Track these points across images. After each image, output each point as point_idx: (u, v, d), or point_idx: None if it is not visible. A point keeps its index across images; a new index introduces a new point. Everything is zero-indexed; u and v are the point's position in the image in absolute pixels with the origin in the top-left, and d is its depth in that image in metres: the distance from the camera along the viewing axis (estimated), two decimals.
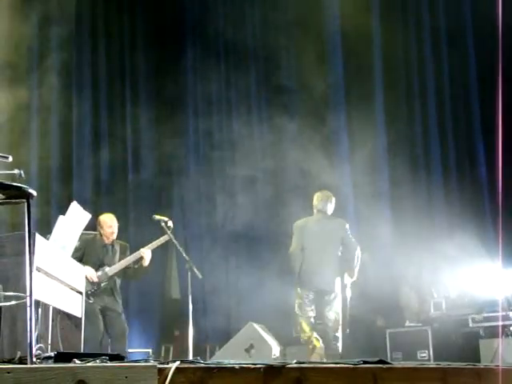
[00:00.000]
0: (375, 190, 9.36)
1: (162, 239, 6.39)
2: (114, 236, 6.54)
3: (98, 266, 6.37)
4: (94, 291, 6.28)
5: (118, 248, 6.56)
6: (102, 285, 6.33)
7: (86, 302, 5.67)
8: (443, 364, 3.26)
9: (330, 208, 6.99)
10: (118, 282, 6.53)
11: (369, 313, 8.18)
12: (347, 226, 6.95)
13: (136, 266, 6.50)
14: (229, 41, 10.05)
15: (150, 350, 8.17)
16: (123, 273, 6.55)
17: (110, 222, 6.50)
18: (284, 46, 10.03)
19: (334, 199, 7.04)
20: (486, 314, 7.65)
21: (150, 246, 6.45)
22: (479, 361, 6.84)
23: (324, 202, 6.96)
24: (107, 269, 6.38)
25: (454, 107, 10.24)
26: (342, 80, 10.13)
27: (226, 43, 10.12)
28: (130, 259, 6.45)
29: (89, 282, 6.16)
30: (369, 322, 8.36)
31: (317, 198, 7.03)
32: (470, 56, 10.20)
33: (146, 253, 6.39)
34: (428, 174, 9.96)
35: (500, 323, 7.33)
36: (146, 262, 6.43)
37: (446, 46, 10.27)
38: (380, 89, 10.10)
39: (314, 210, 7.03)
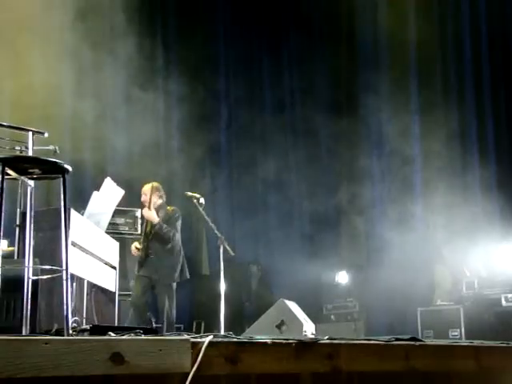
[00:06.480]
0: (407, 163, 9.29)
1: None
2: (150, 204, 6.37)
3: (142, 237, 6.39)
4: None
5: (161, 215, 6.41)
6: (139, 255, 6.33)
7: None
8: (476, 342, 3.24)
9: None
10: (160, 250, 6.38)
11: (402, 290, 8.15)
12: None
13: (153, 231, 6.37)
14: None
15: (182, 326, 8.22)
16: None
17: (142, 190, 6.46)
18: None
19: None
20: None
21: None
22: None
23: None
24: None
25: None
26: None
27: None
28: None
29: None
30: (401, 299, 8.33)
31: None
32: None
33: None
34: (464, 152, 9.78)
35: None
36: (155, 221, 6.28)
37: None
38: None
39: None
